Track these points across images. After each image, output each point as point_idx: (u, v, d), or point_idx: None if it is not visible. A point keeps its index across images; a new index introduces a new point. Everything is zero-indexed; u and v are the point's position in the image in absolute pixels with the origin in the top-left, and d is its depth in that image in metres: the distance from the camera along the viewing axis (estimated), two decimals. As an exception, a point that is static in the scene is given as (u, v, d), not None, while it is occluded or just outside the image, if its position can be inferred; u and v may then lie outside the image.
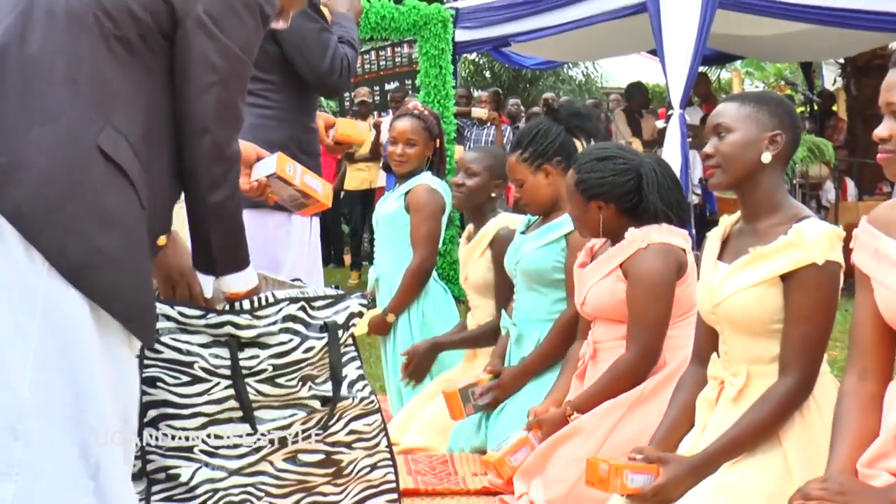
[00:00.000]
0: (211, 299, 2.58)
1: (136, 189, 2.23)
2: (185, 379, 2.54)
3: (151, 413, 2.53)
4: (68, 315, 2.14)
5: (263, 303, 2.62)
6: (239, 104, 2.45)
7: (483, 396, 4.07)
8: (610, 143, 4.12)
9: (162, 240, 2.35)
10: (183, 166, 2.40)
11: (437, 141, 4.94)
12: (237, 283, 2.55)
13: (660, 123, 10.27)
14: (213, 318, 2.56)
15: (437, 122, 4.99)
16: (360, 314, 2.79)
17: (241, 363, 2.57)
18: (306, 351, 2.65)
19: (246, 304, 2.60)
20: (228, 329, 2.57)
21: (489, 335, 4.50)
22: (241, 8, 2.41)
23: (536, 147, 4.10)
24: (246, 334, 2.58)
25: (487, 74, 20.03)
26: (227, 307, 2.58)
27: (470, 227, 4.78)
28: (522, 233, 4.29)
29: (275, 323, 2.62)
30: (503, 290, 4.44)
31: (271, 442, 2.57)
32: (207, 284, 2.55)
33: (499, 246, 4.48)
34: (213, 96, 2.37)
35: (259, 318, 2.61)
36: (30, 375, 2.12)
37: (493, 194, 4.64)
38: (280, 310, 2.64)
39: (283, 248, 3.89)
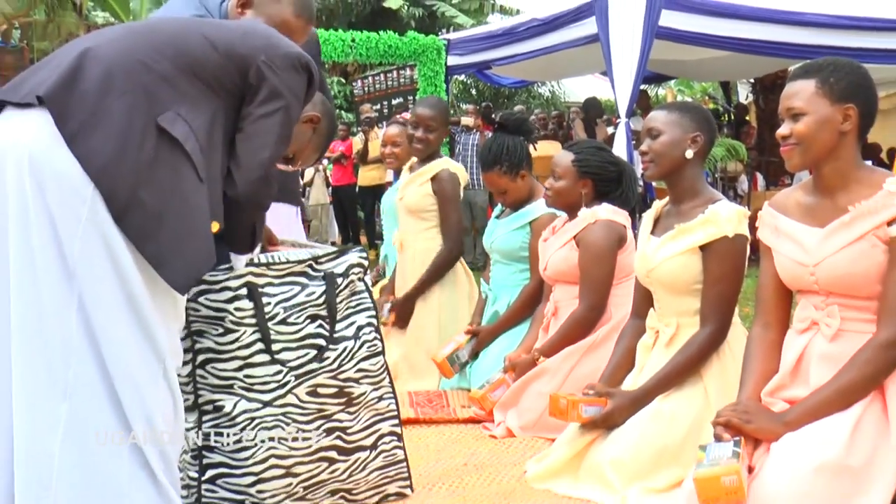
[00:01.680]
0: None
1: (193, 161, 2.18)
2: (221, 330, 2.52)
3: (200, 358, 2.52)
4: (112, 249, 2.10)
5: (278, 261, 2.61)
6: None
7: (465, 353, 4.08)
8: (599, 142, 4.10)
9: (215, 226, 2.28)
10: (237, 172, 2.34)
11: None
12: (242, 261, 2.55)
13: (610, 130, 10.25)
14: (239, 271, 2.54)
15: None
16: (360, 265, 2.74)
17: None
18: (308, 295, 2.63)
19: (264, 260, 2.58)
20: (249, 278, 2.54)
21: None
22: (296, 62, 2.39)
23: (511, 160, 4.08)
24: (259, 281, 2.56)
25: (473, 92, 19.94)
26: (249, 261, 2.57)
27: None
28: (497, 217, 4.31)
29: (279, 277, 2.60)
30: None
31: (295, 377, 2.56)
32: (238, 261, 2.54)
33: (439, 182, 4.44)
34: (279, 118, 2.34)
35: (271, 269, 2.59)
36: (75, 313, 2.08)
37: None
38: (287, 268, 2.62)
39: (289, 230, 3.96)
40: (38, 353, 2.08)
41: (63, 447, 2.08)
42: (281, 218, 3.91)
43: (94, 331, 2.09)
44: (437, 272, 4.45)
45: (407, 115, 5.14)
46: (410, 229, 4.59)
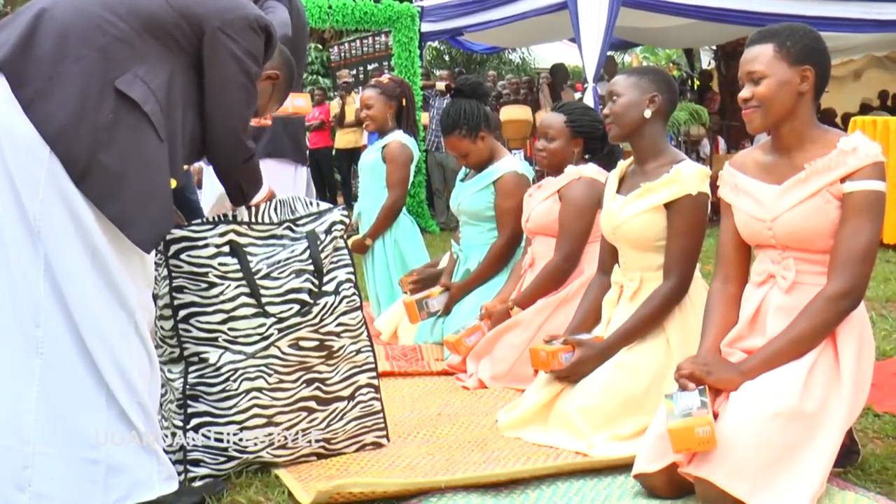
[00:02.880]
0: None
1: (153, 122, 2.15)
2: (204, 285, 2.51)
3: (182, 312, 2.51)
4: (74, 209, 2.09)
5: (260, 220, 2.61)
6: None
7: (435, 303, 4.10)
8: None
9: (173, 182, 2.26)
10: (215, 139, 2.36)
11: (402, 102, 4.83)
12: (243, 211, 2.58)
13: (577, 95, 10.22)
14: (221, 228, 2.54)
15: (400, 87, 4.87)
16: (342, 222, 2.74)
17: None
18: (290, 252, 2.63)
19: (245, 218, 2.59)
20: (231, 236, 2.54)
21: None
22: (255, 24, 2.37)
23: (469, 123, 4.09)
24: (242, 240, 2.56)
25: (447, 58, 19.81)
26: (231, 217, 2.58)
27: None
28: (462, 181, 4.31)
29: (261, 238, 2.61)
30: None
31: (278, 330, 2.56)
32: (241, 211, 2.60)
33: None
34: (242, 81, 2.35)
35: (253, 230, 2.59)
36: (42, 273, 2.08)
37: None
38: (269, 230, 2.63)
39: (290, 187, 3.97)
40: (9, 312, 2.08)
41: (39, 402, 2.08)
42: (284, 175, 3.96)
43: (62, 289, 2.09)
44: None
45: (382, 77, 5.13)
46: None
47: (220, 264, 2.52)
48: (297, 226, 2.69)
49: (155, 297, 2.47)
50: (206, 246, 2.52)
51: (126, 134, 2.12)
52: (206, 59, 2.29)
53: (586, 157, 3.71)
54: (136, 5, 2.20)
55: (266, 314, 2.55)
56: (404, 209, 4.89)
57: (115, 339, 2.15)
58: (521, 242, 4.07)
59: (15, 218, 2.08)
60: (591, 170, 3.61)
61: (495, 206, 4.09)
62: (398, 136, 4.75)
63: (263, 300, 2.55)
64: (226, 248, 2.53)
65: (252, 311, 2.54)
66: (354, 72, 12.67)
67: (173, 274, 2.51)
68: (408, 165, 4.77)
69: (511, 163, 4.12)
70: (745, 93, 2.42)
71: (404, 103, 4.84)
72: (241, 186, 2.53)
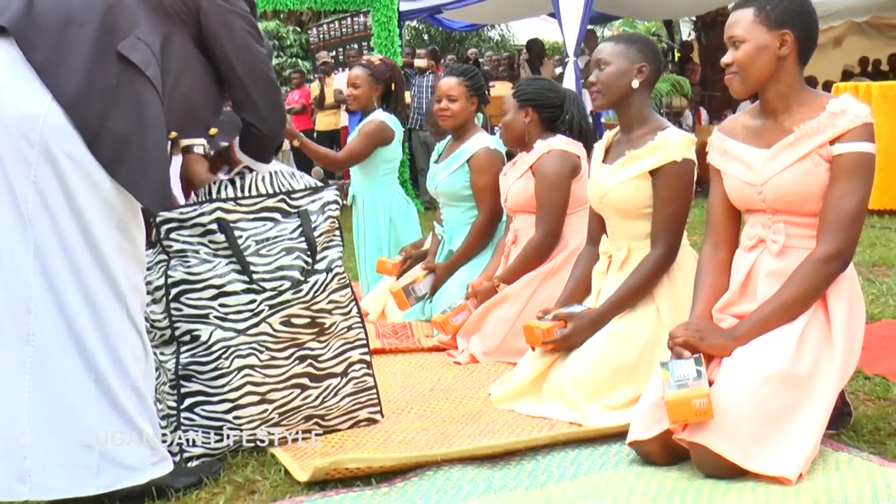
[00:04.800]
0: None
1: (154, 85, 2.18)
2: (194, 262, 2.51)
3: (174, 291, 2.51)
4: (68, 188, 2.09)
5: (246, 193, 2.59)
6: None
7: (421, 287, 4.11)
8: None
9: (172, 134, 2.32)
10: (255, 96, 2.42)
11: (390, 85, 4.77)
12: (265, 167, 2.62)
13: (558, 69, 10.20)
14: (207, 207, 2.53)
15: (390, 71, 4.80)
16: (336, 202, 2.74)
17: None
18: (280, 230, 2.62)
19: (231, 193, 2.58)
20: (218, 214, 2.54)
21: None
22: None
23: (477, 81, 4.16)
24: (230, 217, 2.55)
25: (426, 37, 19.76)
26: (215, 195, 2.57)
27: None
28: (435, 162, 4.31)
29: (251, 212, 2.59)
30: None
31: (269, 307, 2.55)
32: (261, 168, 2.63)
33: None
34: (255, 46, 2.41)
35: (240, 205, 2.58)
36: (32, 259, 2.08)
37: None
38: (258, 202, 2.61)
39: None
40: (1, 301, 2.08)
41: (32, 391, 2.09)
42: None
43: (52, 273, 2.09)
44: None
45: (372, 57, 5.08)
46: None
47: (210, 241, 2.52)
48: (293, 199, 2.67)
49: (147, 283, 2.47)
50: (193, 226, 2.51)
51: (130, 98, 2.14)
52: (211, 25, 2.33)
53: (559, 128, 3.69)
54: None
55: (257, 290, 2.54)
56: (401, 189, 4.85)
57: (108, 323, 2.15)
58: (501, 218, 4.08)
59: (5, 203, 2.08)
60: (560, 141, 3.62)
61: (471, 184, 4.09)
62: (377, 115, 4.71)
63: (254, 277, 2.54)
64: (214, 227, 2.53)
65: (243, 286, 2.53)
66: (333, 53, 12.61)
67: (169, 254, 2.51)
68: (388, 143, 4.70)
69: (483, 140, 4.12)
70: (726, 58, 2.43)
71: (393, 87, 4.78)
72: (280, 143, 2.60)
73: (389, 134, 4.68)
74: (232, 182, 2.62)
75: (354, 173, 4.87)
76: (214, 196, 2.57)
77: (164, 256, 2.54)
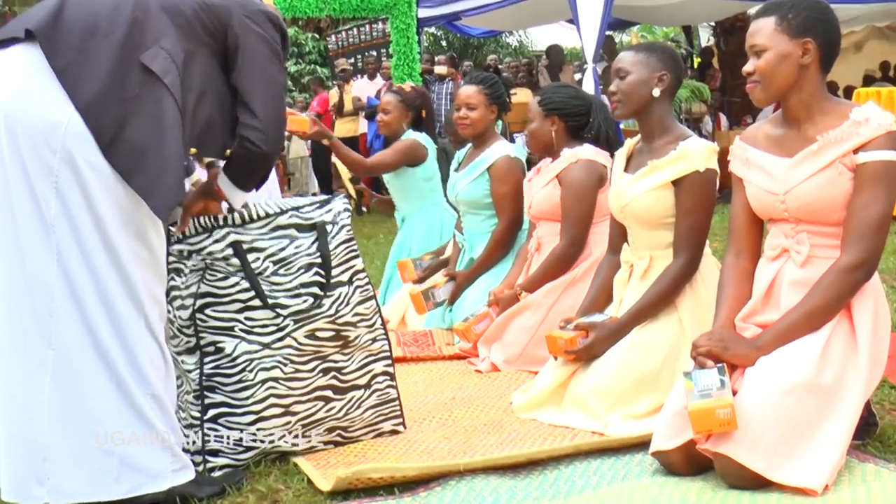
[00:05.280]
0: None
1: (173, 94, 2.20)
2: (219, 276, 2.52)
3: (199, 302, 2.51)
4: (89, 196, 2.12)
5: (253, 217, 2.58)
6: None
7: (441, 293, 4.11)
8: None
9: (192, 150, 2.34)
10: (265, 117, 2.38)
11: (420, 112, 4.79)
12: (241, 198, 2.54)
13: (577, 75, 10.19)
14: (218, 233, 2.53)
15: (420, 98, 4.85)
16: (347, 209, 2.74)
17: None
18: (297, 248, 2.61)
19: (238, 220, 2.56)
20: (232, 237, 2.53)
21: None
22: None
23: (498, 89, 4.16)
24: (244, 238, 2.55)
25: (444, 43, 19.78)
26: (222, 222, 2.54)
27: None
28: (455, 170, 4.31)
29: (265, 233, 2.58)
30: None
31: (293, 321, 2.55)
32: (237, 197, 2.53)
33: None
34: (277, 63, 2.43)
35: (249, 230, 2.57)
36: (55, 264, 2.11)
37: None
38: (269, 222, 2.59)
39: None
40: (25, 304, 2.12)
41: (52, 394, 2.12)
42: None
43: (74, 280, 2.12)
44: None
45: (405, 86, 5.10)
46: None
47: (228, 264, 2.53)
48: (303, 213, 2.66)
49: (174, 288, 2.49)
50: (208, 254, 2.52)
51: (150, 107, 2.17)
52: (238, 44, 2.36)
53: (583, 135, 3.68)
54: None
55: (278, 308, 2.54)
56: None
57: (126, 331, 2.17)
58: (521, 226, 4.08)
59: (29, 209, 2.11)
60: (588, 151, 3.61)
61: (492, 192, 4.08)
62: (410, 134, 4.73)
63: (276, 296, 2.54)
64: (229, 251, 2.52)
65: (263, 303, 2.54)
66: (352, 60, 12.65)
67: (187, 267, 2.53)
68: (408, 158, 4.70)
69: (503, 148, 4.12)
70: (748, 66, 2.42)
71: (423, 114, 4.82)
72: (269, 171, 2.55)
73: (422, 152, 4.69)
74: (238, 211, 2.58)
75: (399, 199, 4.88)
76: (221, 223, 2.55)
77: (202, 266, 2.54)
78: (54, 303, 2.11)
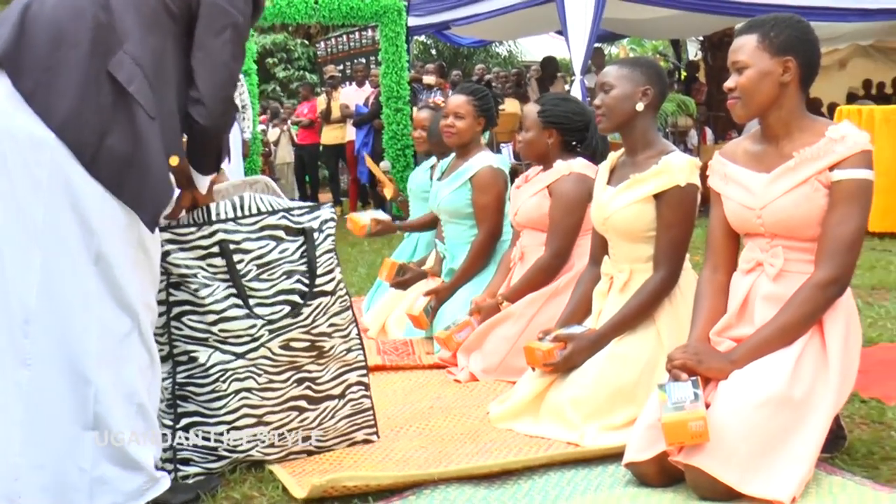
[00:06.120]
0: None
1: (140, 102, 2.13)
2: (194, 286, 2.48)
3: (175, 310, 2.50)
4: (79, 208, 2.09)
5: (246, 213, 2.56)
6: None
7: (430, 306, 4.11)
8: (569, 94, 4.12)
9: (174, 160, 2.25)
10: (202, 102, 2.26)
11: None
12: (205, 182, 2.45)
13: (566, 87, 10.23)
14: (207, 230, 2.49)
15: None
16: (333, 219, 2.72)
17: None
18: (281, 252, 2.59)
19: (230, 214, 2.54)
20: (220, 235, 2.50)
21: None
22: None
23: (486, 102, 4.17)
24: (233, 237, 2.52)
25: (433, 52, 19.80)
26: (215, 217, 2.51)
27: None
28: (438, 179, 4.32)
29: (254, 231, 2.56)
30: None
31: (268, 332, 2.54)
32: (201, 182, 2.44)
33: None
34: (229, 34, 2.29)
35: (242, 225, 2.55)
36: (37, 282, 2.07)
37: None
38: (259, 220, 2.57)
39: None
40: (2, 322, 2.08)
41: (26, 414, 2.08)
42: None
43: (60, 295, 2.08)
44: None
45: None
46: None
47: (208, 265, 2.50)
48: (293, 215, 2.64)
49: None
50: (193, 248, 2.49)
51: (124, 115, 2.12)
52: (200, 13, 2.26)
53: (577, 148, 3.70)
54: None
55: (256, 316, 2.52)
56: None
57: (117, 345, 2.14)
58: (500, 237, 4.09)
59: (13, 224, 2.07)
60: (581, 164, 3.61)
61: (473, 202, 4.09)
62: (486, 159, 4.18)
63: (252, 302, 2.52)
64: (215, 250, 2.50)
65: (242, 311, 2.51)
66: (341, 67, 12.66)
67: (166, 272, 2.48)
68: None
69: (486, 158, 4.12)
70: (729, 83, 2.45)
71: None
72: (220, 152, 2.42)
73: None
74: (231, 201, 2.57)
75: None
76: (214, 217, 2.52)
77: (164, 276, 2.49)
78: (31, 322, 2.07)
